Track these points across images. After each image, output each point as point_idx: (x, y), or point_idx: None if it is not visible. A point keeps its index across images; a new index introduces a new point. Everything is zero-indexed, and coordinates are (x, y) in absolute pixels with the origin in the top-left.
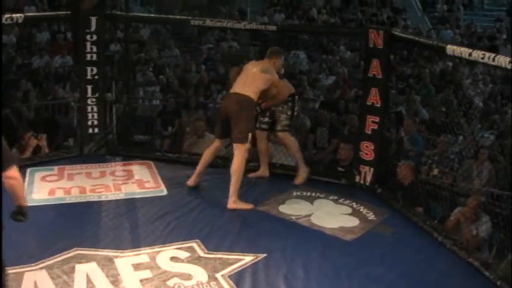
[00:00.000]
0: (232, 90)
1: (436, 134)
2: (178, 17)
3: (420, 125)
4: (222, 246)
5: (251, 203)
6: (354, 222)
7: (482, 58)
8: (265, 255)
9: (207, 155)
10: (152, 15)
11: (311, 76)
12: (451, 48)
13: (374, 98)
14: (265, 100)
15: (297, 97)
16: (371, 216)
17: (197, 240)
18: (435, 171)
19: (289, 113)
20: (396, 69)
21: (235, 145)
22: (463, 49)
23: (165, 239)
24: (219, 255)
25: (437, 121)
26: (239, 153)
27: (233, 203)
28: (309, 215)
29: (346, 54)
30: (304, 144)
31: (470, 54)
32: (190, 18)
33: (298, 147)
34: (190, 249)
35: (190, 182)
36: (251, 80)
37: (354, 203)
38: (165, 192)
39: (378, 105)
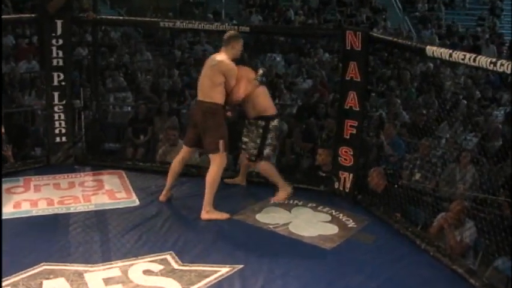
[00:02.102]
0: (198, 97)
1: (418, 138)
2: (148, 19)
3: (401, 128)
4: (197, 258)
5: (227, 212)
6: (333, 230)
7: (463, 59)
8: (242, 266)
9: (175, 166)
10: (121, 17)
11: (288, 80)
12: (431, 49)
13: (352, 101)
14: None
15: (275, 122)
16: (351, 223)
17: (171, 252)
18: (417, 176)
19: (258, 141)
20: (376, 71)
21: (210, 155)
22: (442, 50)
23: (138, 252)
24: (194, 267)
25: (419, 124)
26: (214, 163)
27: (206, 213)
28: (287, 224)
29: (324, 56)
30: (282, 150)
31: (450, 55)
32: (160, 20)
33: (273, 170)
34: (164, 262)
35: (162, 197)
36: (208, 81)
37: (333, 210)
38: (137, 203)
39: (357, 109)
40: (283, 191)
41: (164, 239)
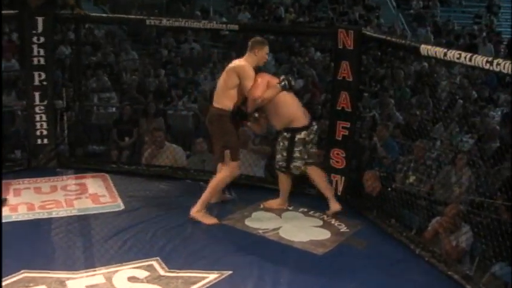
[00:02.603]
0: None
1: (412, 139)
2: (133, 16)
3: (395, 129)
4: (184, 264)
5: (215, 216)
6: (325, 235)
7: (458, 58)
8: (230, 272)
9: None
10: (105, 15)
11: None
12: (425, 48)
13: (344, 102)
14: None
15: (301, 135)
16: (343, 228)
17: (157, 258)
18: (411, 179)
19: (284, 154)
20: (369, 70)
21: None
22: (437, 49)
23: (122, 258)
24: (181, 274)
25: (413, 125)
26: (224, 170)
27: (196, 212)
28: (278, 229)
29: (315, 55)
30: (272, 153)
31: (445, 54)
32: (146, 18)
33: (322, 181)
34: (150, 268)
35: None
36: (222, 84)
37: (325, 215)
38: (122, 207)
39: (349, 110)
40: (333, 206)
41: (150, 244)
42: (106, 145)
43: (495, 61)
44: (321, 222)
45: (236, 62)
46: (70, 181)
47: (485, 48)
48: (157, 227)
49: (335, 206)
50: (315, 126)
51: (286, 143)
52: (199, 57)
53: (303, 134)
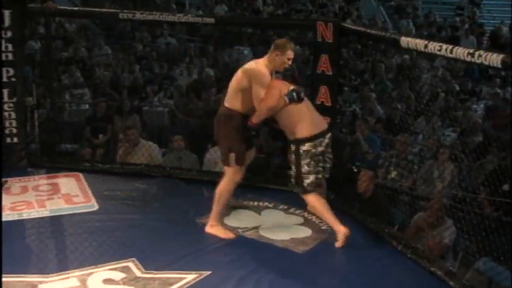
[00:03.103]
0: None
1: (393, 134)
2: (105, 10)
3: (376, 124)
4: (162, 265)
5: (192, 215)
6: (306, 232)
7: (439, 50)
8: (209, 272)
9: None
10: (76, 8)
11: None
12: (405, 40)
13: (323, 96)
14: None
15: (305, 146)
16: (325, 225)
17: (133, 258)
18: (393, 174)
19: (293, 168)
20: (349, 64)
21: (224, 168)
22: (418, 41)
23: (97, 259)
24: (158, 275)
25: (394, 119)
26: (225, 176)
27: (211, 227)
28: (257, 227)
29: (295, 49)
30: None
31: (426, 46)
32: (119, 11)
33: (322, 206)
34: (126, 270)
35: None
36: (233, 84)
37: (305, 212)
38: (96, 207)
39: (329, 105)
40: (340, 235)
41: (126, 245)
42: (79, 143)
43: (476, 53)
44: (301, 220)
45: (251, 64)
46: (41, 181)
47: (467, 40)
48: (133, 227)
49: (340, 230)
50: (327, 139)
51: (293, 156)
52: (175, 52)
53: (307, 146)
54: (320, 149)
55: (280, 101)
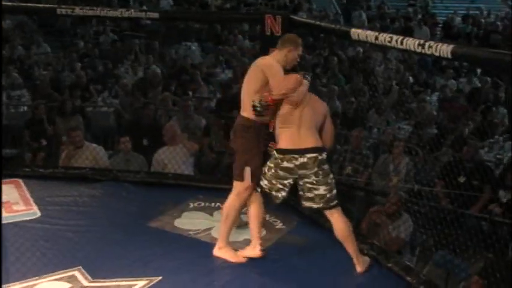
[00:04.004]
0: None
1: (347, 128)
2: (41, 5)
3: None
4: (110, 272)
5: (141, 219)
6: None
7: (390, 42)
8: (160, 278)
9: (256, 211)
10: (10, 3)
11: (205, 70)
12: (355, 32)
13: None
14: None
15: (275, 154)
16: (279, 224)
17: (79, 267)
18: (348, 170)
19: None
20: (302, 58)
21: (234, 181)
22: (368, 33)
23: (40, 270)
24: (106, 283)
25: (348, 114)
26: (233, 191)
27: (218, 249)
28: (210, 229)
29: (245, 43)
30: (201, 149)
31: (376, 38)
32: (56, 6)
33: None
34: (72, 279)
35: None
36: (246, 90)
37: None
38: (38, 215)
39: None
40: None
41: (71, 253)
42: (18, 148)
43: (427, 44)
44: None
45: (261, 60)
46: None
47: (420, 31)
48: (79, 234)
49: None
50: (301, 160)
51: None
52: (119, 49)
53: (276, 154)
54: (287, 165)
55: (302, 81)
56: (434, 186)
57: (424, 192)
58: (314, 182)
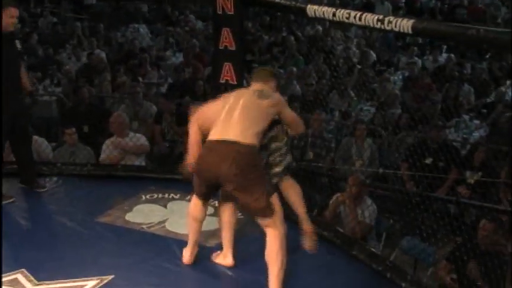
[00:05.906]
0: (216, 137)
1: (307, 111)
2: None
3: (291, 102)
4: (57, 273)
5: (89, 214)
6: (217, 224)
7: (348, 18)
8: (112, 277)
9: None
10: None
11: (155, 54)
12: (312, 9)
13: (228, 74)
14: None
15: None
16: (238, 214)
17: (23, 269)
18: (310, 155)
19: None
20: (259, 38)
21: (261, 222)
22: (325, 9)
23: None
24: (53, 285)
25: (308, 96)
26: (272, 232)
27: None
28: (163, 221)
29: (197, 24)
30: (152, 137)
31: (334, 15)
32: None
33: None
34: (15, 283)
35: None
36: (255, 113)
37: (216, 201)
38: None
39: (234, 83)
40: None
41: (13, 255)
42: None
43: (386, 19)
44: (212, 210)
45: (274, 95)
46: None
47: (382, 7)
48: (21, 233)
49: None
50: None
51: None
52: (60, 33)
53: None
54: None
55: None
56: (399, 169)
57: (389, 175)
58: None
